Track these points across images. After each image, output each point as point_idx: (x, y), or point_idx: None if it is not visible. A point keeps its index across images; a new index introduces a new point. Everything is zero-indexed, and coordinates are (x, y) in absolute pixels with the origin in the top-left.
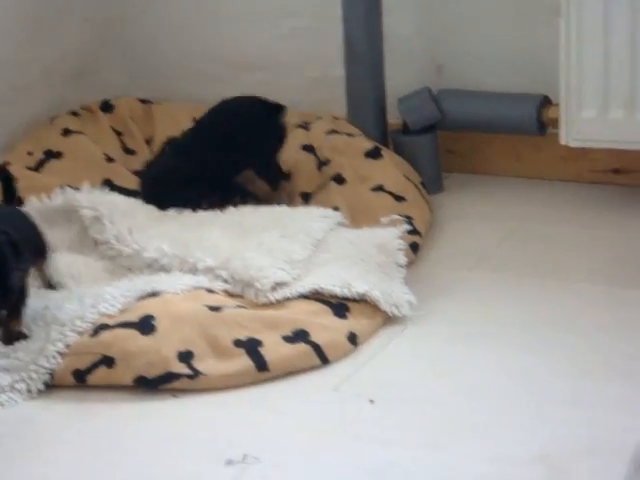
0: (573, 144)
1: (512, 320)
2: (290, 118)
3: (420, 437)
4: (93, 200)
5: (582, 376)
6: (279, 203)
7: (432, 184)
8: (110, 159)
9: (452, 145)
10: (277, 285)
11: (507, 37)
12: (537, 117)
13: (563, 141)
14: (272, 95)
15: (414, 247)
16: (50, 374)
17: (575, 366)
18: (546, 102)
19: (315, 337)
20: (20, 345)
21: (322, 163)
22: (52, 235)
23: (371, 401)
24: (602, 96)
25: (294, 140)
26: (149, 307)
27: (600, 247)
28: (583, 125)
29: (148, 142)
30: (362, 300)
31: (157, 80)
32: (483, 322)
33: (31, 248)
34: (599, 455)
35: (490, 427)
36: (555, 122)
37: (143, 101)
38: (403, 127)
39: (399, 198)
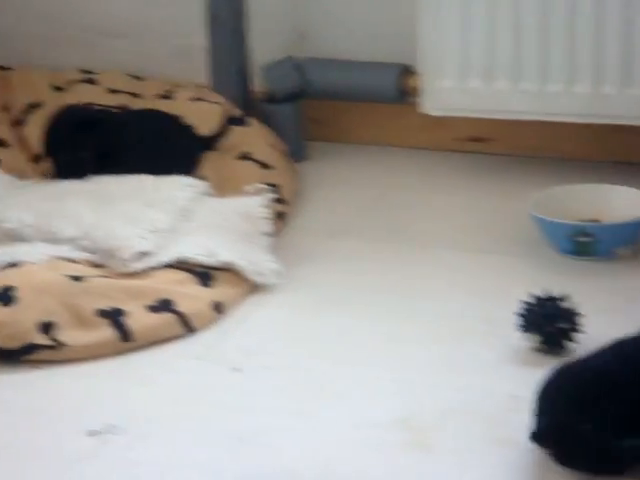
0: (433, 113)
1: (375, 287)
2: (153, 88)
3: (285, 404)
4: None
5: (442, 341)
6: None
7: (296, 153)
8: None
9: (316, 114)
10: (141, 254)
11: (369, 6)
12: (397, 86)
13: (423, 110)
14: (135, 63)
15: (280, 216)
16: None
17: (436, 331)
18: (406, 71)
19: (180, 306)
20: None
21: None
22: None
23: (236, 369)
24: (461, 65)
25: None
26: (9, 278)
27: (460, 214)
28: (442, 94)
29: (5, 109)
30: (227, 269)
31: (15, 46)
32: (347, 289)
33: None
34: (459, 417)
35: (354, 393)
36: (416, 91)
37: (1, 67)
38: (267, 96)
39: (265, 166)
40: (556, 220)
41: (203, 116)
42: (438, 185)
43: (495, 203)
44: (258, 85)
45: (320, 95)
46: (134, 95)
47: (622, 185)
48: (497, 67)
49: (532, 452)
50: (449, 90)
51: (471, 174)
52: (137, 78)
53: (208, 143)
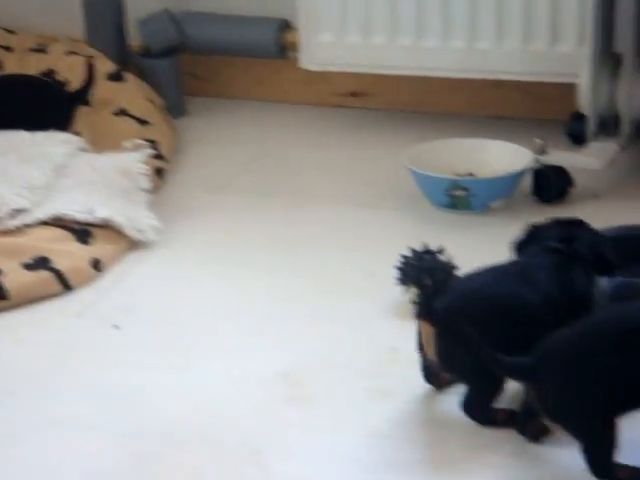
0: (311, 68)
1: (256, 243)
2: (25, 41)
3: (166, 360)
4: None
5: (323, 295)
6: None
7: (175, 108)
8: None
9: (195, 69)
10: (16, 212)
11: None
12: (276, 41)
13: (302, 65)
14: (8, 17)
15: (159, 172)
16: None
17: (316, 286)
18: (285, 26)
19: (57, 264)
20: None
21: (63, 85)
22: None
23: (116, 326)
24: (339, 20)
25: (31, 65)
26: None
27: (341, 169)
28: (321, 49)
29: None
30: (106, 226)
31: None
32: (227, 245)
33: None
34: (337, 370)
35: (235, 348)
36: (295, 46)
37: None
38: (143, 50)
39: (142, 122)
40: (432, 174)
41: (76, 70)
42: (318, 140)
43: (374, 158)
44: (134, 39)
45: (198, 50)
46: (7, 49)
47: (497, 139)
48: (374, 22)
49: (411, 403)
50: (327, 45)
51: (350, 129)
52: (10, 32)
53: (80, 97)
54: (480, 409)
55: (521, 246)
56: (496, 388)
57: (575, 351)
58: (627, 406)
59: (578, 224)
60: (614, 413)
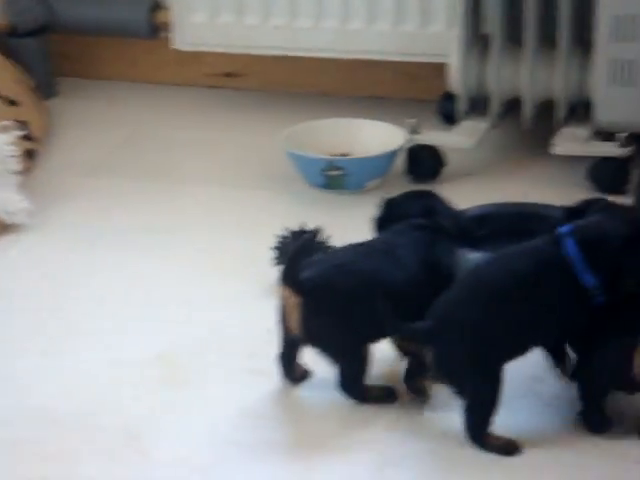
0: (185, 48)
1: (131, 226)
2: None
3: (40, 345)
4: None
5: (199, 277)
6: None
7: (45, 89)
8: None
9: (65, 48)
10: None
11: None
12: (148, 20)
13: (175, 45)
14: None
15: (30, 154)
16: None
17: (193, 268)
18: (157, 5)
19: None
20: None
21: None
22: None
23: None
24: (212, 0)
25: None
26: None
27: (216, 150)
28: (194, 29)
29: None
30: None
31: None
32: (102, 228)
33: None
34: (214, 352)
35: (110, 332)
36: (167, 26)
37: None
38: (10, 29)
39: (11, 103)
40: (307, 154)
41: None
42: (192, 122)
43: (249, 139)
44: (1, 18)
45: (68, 30)
46: None
47: (370, 119)
48: (247, 2)
49: (287, 383)
50: (200, 25)
51: (225, 110)
52: None
53: None
54: (352, 386)
55: (381, 222)
56: (361, 364)
57: (461, 313)
58: (510, 355)
59: (432, 196)
60: (498, 365)
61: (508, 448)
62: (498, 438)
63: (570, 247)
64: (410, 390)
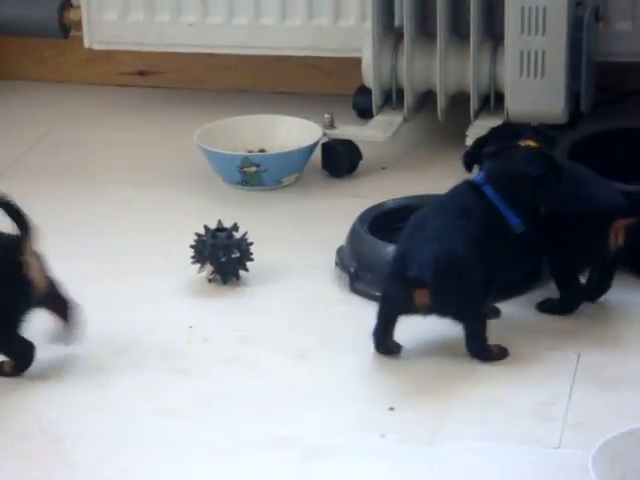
0: (96, 47)
1: (47, 226)
2: None
3: None
4: None
5: (118, 278)
6: None
7: None
8: None
9: None
10: None
11: None
12: (58, 19)
13: (87, 44)
14: None
15: None
16: None
17: (111, 268)
18: (67, 4)
19: None
20: None
21: None
22: None
23: None
24: None
25: None
26: None
27: (131, 149)
28: (105, 27)
29: None
30: None
31: None
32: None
33: None
34: (134, 351)
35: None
36: (78, 24)
37: None
38: None
39: None
40: (223, 151)
41: None
42: (106, 121)
43: (164, 137)
44: None
45: None
46: None
47: (286, 115)
48: (158, 0)
49: (208, 380)
50: (111, 23)
51: (139, 108)
52: None
53: None
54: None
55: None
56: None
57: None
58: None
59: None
60: (485, 298)
61: (503, 353)
62: (493, 347)
63: (491, 194)
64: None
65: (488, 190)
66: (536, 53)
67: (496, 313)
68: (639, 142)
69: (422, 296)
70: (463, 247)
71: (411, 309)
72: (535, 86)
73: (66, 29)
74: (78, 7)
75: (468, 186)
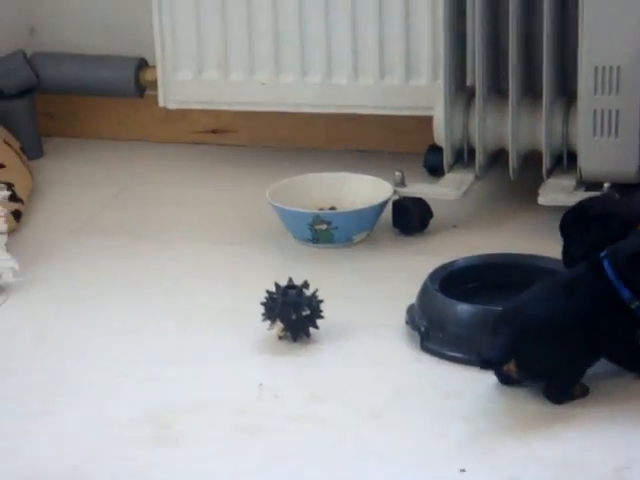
0: (171, 106)
1: (119, 282)
2: None
3: (28, 406)
4: None
5: (190, 333)
6: None
7: (32, 149)
8: None
9: (51, 109)
10: None
11: None
12: (135, 79)
13: (161, 103)
14: None
15: (16, 214)
16: None
17: (182, 324)
18: (143, 64)
19: None
20: None
21: None
22: None
23: None
24: (196, 57)
25: None
26: None
27: (203, 206)
28: (180, 86)
29: None
30: None
31: None
32: (90, 285)
33: None
34: (205, 409)
35: (99, 390)
36: (153, 84)
37: None
38: None
39: None
40: (294, 209)
41: None
42: (178, 178)
43: (236, 194)
44: None
45: (54, 90)
46: None
47: (357, 173)
48: (232, 59)
49: (279, 439)
50: (186, 82)
51: (211, 166)
52: None
53: None
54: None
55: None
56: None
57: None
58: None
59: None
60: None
61: (584, 391)
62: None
63: (607, 267)
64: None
65: (606, 263)
66: (610, 112)
67: (585, 392)
68: None
69: (509, 369)
70: (542, 316)
71: (510, 380)
72: (609, 145)
73: (142, 89)
74: (154, 67)
75: (586, 264)
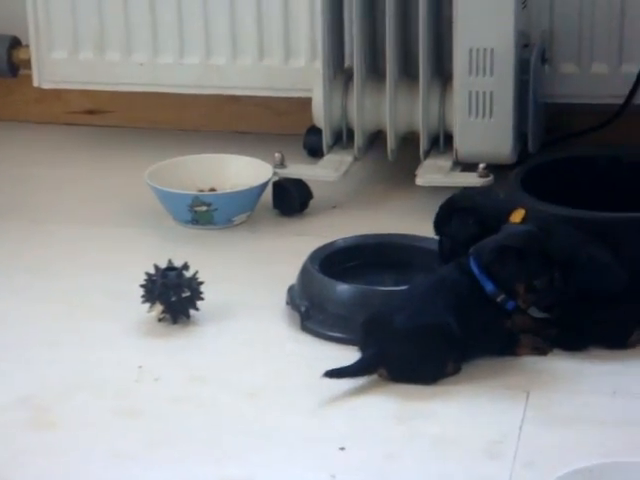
0: (46, 85)
1: (6, 266)
2: None
3: None
4: None
5: (65, 317)
6: None
7: None
8: None
9: None
10: None
11: None
12: (7, 58)
13: (36, 83)
14: None
15: None
16: None
17: (58, 308)
18: (15, 43)
19: None
20: None
21: None
22: None
23: None
24: (72, 37)
25: None
26: None
27: (80, 188)
28: (54, 66)
29: None
30: None
31: None
32: None
33: None
34: (83, 392)
35: None
36: (27, 63)
37: None
38: None
39: None
40: (173, 190)
41: None
42: (55, 159)
43: (114, 176)
44: None
45: None
46: None
47: (237, 154)
48: (108, 38)
49: (159, 421)
50: (61, 62)
51: (88, 147)
52: None
53: None
54: None
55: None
56: None
57: None
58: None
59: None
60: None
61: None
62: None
63: (472, 264)
64: None
65: (471, 261)
66: (484, 94)
67: (457, 370)
68: (588, 170)
69: (381, 374)
70: (408, 322)
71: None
72: (483, 127)
73: (15, 68)
74: (27, 46)
75: (454, 263)
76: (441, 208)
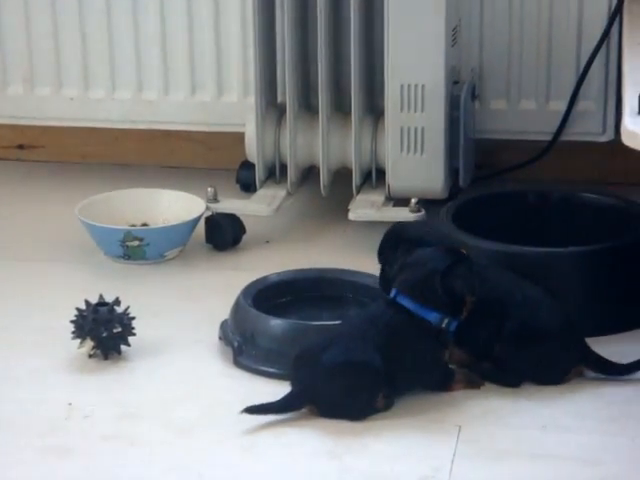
0: None
1: None
2: None
3: None
4: None
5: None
6: None
7: None
8: None
9: None
10: None
11: None
12: None
13: None
14: None
15: None
16: None
17: None
18: None
19: None
20: None
21: None
22: None
23: None
24: (1, 71)
25: None
26: None
27: (8, 223)
28: None
29: None
30: None
31: None
32: None
33: None
34: (11, 429)
35: None
36: None
37: None
38: None
39: None
40: (104, 225)
41: None
42: None
43: (43, 210)
44: None
45: None
46: None
47: (169, 189)
48: (38, 72)
49: (91, 457)
50: None
51: (17, 183)
52: None
53: None
54: None
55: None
56: None
57: None
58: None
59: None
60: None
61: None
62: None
63: (403, 300)
64: None
65: (402, 299)
66: (415, 130)
67: (388, 405)
68: (518, 205)
69: (311, 409)
70: (337, 359)
71: None
72: (415, 162)
73: None
74: None
75: (383, 301)
76: (386, 236)
